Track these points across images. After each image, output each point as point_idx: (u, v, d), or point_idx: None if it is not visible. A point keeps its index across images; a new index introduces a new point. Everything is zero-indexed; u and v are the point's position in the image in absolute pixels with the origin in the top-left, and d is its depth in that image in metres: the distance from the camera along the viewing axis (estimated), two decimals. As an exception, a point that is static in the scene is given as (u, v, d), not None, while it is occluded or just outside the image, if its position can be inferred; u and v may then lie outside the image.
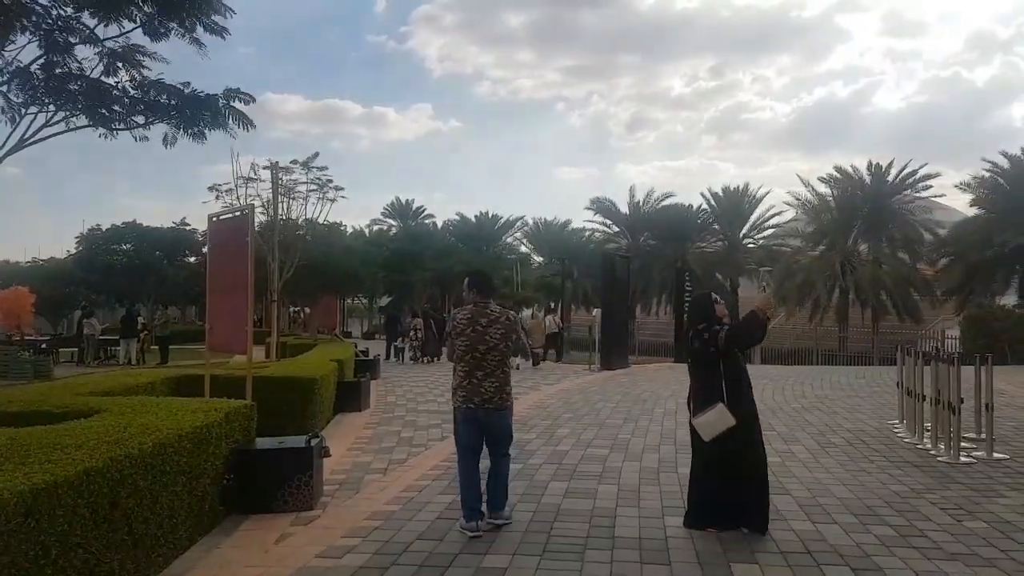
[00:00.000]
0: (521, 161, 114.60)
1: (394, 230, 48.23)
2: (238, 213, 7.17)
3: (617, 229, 45.61)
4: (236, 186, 11.28)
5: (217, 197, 11.83)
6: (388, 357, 20.60)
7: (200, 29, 3.90)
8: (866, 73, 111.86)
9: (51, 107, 3.63)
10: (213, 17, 3.86)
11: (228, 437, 5.03)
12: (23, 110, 3.62)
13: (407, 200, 54.09)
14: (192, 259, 33.05)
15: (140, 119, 3.95)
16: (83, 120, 3.82)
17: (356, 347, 17.78)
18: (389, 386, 14.05)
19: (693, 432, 4.87)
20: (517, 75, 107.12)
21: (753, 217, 42.61)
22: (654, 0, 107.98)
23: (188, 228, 33.88)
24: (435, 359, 20.62)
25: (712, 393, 4.72)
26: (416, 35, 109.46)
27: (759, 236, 42.66)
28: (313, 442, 5.40)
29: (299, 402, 8.19)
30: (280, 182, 12.08)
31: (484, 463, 4.98)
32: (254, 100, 4.22)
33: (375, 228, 49.01)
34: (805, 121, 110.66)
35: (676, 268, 25.96)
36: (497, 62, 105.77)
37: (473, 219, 50.06)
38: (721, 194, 43.03)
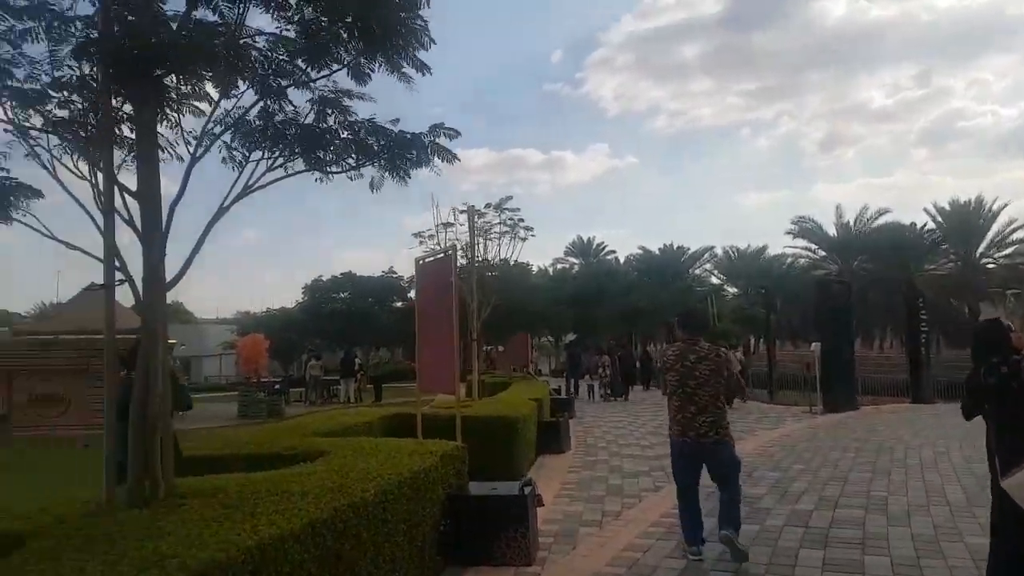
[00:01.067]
0: (704, 190, 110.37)
1: (576, 268, 48.20)
2: (441, 255, 7.20)
3: (824, 253, 41.70)
4: (436, 231, 11.73)
5: (420, 243, 12.49)
6: (571, 394, 20.12)
7: (405, 65, 3.81)
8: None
9: (271, 153, 3.75)
10: (418, 53, 3.76)
11: (443, 481, 4.80)
12: (247, 157, 3.77)
13: (588, 238, 54.03)
14: (399, 304, 35.49)
15: (351, 161, 3.98)
16: (300, 164, 3.91)
17: (548, 385, 17.61)
18: (586, 426, 13.56)
19: (999, 502, 3.71)
20: (694, 105, 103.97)
21: (991, 233, 36.74)
22: (842, 13, 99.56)
23: (395, 276, 36.66)
24: (622, 397, 20.70)
25: (1022, 442, 3.59)
26: (591, 79, 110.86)
27: (1000, 255, 36.60)
28: (527, 490, 5.01)
29: (504, 442, 7.95)
30: (475, 225, 12.33)
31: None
32: (459, 134, 4.07)
33: (558, 267, 49.37)
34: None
35: (904, 294, 22.79)
36: (673, 94, 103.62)
37: (657, 252, 48.58)
38: (948, 209, 37.72)
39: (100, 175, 3.37)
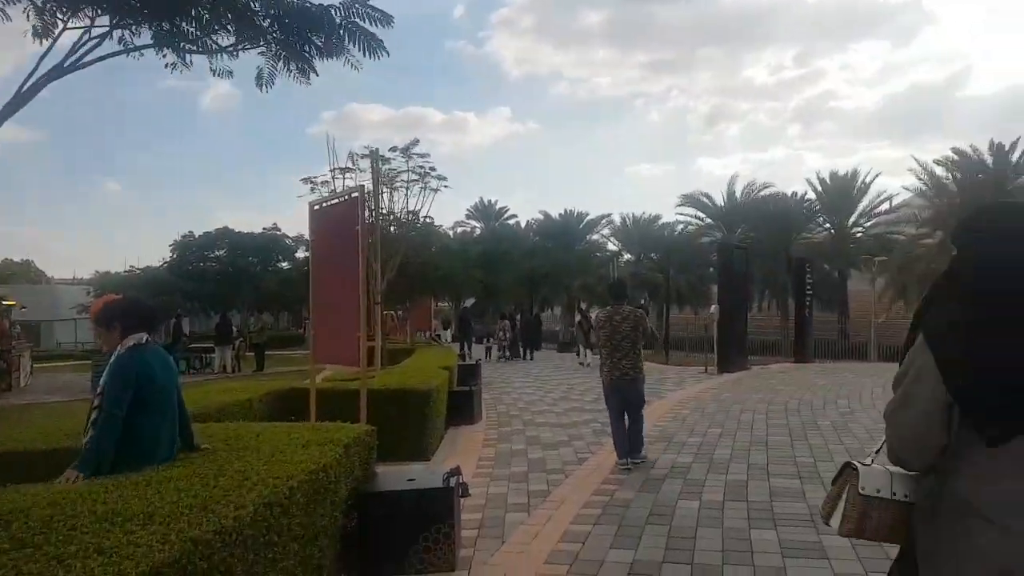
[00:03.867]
0: (601, 159, 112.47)
1: (478, 231, 47.23)
2: (345, 197, 6.05)
3: (711, 222, 43.19)
4: (332, 177, 10.26)
5: (312, 190, 10.80)
6: (463, 359, 19.80)
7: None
8: (960, 56, 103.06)
9: (98, 17, 2.57)
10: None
11: (348, 476, 3.83)
12: (62, 20, 2.56)
13: (490, 201, 53.18)
14: (285, 265, 33.03)
15: (224, 40, 2.84)
16: (147, 39, 2.74)
17: (455, 351, 16.84)
18: (495, 393, 12.86)
19: None
20: (595, 73, 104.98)
21: (862, 204, 39.25)
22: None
23: (279, 233, 33.92)
24: (520, 358, 22.55)
25: None
26: (494, 39, 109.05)
27: (869, 224, 39.21)
28: (452, 480, 4.14)
29: (416, 418, 7.06)
30: (380, 172, 11.07)
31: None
32: (392, 21, 3.02)
33: (459, 230, 48.10)
34: (896, 107, 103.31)
35: (792, 260, 23.66)
36: (575, 61, 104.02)
37: (557, 217, 48.52)
38: (828, 180, 39.87)
39: None
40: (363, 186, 5.16)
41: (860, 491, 1.74)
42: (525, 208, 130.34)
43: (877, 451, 1.86)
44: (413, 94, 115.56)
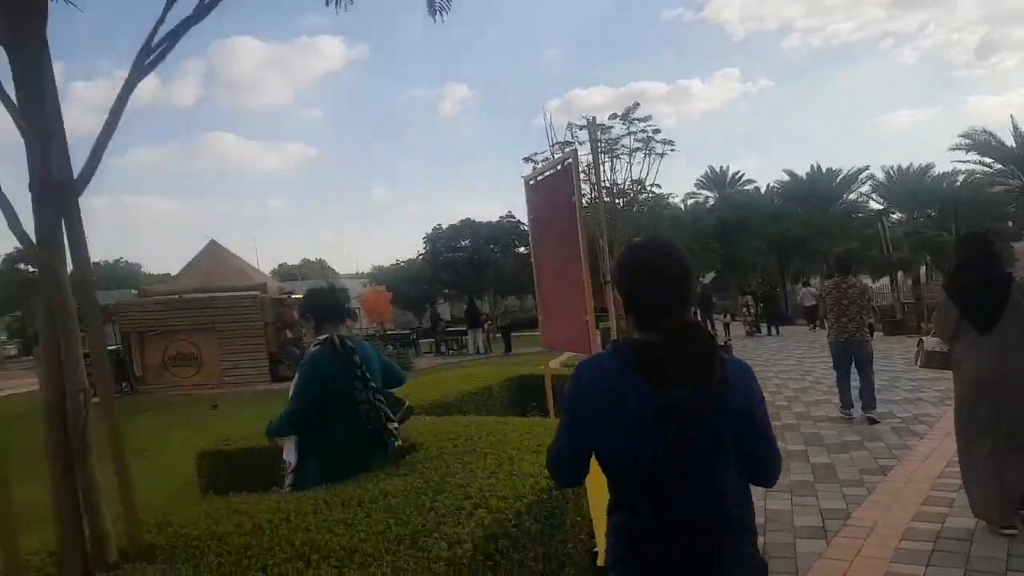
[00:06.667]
0: (846, 111, 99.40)
1: (711, 201, 44.26)
2: (558, 167, 5.36)
3: (1003, 167, 35.44)
4: (552, 152, 9.72)
5: (533, 168, 10.47)
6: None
7: None
8: None
9: None
10: None
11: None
12: None
13: (722, 168, 49.50)
14: (522, 249, 34.07)
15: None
16: None
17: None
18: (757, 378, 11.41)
19: None
20: (830, 20, 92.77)
21: None
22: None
23: (514, 220, 35.13)
24: (764, 334, 21.60)
25: None
26: (713, 1, 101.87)
27: None
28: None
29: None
30: (599, 142, 10.32)
31: None
32: None
33: (690, 201, 45.57)
34: None
35: None
36: (806, 11, 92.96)
37: (804, 177, 43.47)
38: None
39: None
40: (575, 150, 4.41)
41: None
42: (762, 172, 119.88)
43: None
44: (634, 70, 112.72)
